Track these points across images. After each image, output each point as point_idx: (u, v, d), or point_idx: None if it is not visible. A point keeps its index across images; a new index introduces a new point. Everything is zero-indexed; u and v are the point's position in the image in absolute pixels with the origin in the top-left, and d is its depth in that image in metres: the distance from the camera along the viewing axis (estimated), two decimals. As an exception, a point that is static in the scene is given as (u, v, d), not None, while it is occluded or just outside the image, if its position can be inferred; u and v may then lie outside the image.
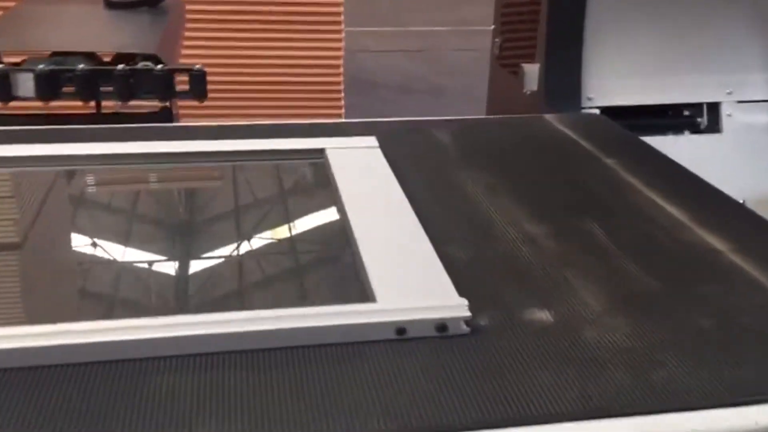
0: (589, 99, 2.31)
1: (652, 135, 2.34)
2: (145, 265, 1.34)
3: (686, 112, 2.45)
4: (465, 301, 0.98)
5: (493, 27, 2.66)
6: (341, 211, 1.30)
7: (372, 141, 1.57)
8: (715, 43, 2.37)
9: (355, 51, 6.98)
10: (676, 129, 2.42)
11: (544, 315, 1.03)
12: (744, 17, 2.36)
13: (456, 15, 8.16)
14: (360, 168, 1.46)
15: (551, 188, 1.45)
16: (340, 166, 1.45)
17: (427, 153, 1.61)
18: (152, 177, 1.60)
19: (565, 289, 1.09)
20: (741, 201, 2.40)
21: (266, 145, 1.58)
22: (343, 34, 4.33)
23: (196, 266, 1.33)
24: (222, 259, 1.34)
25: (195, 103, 3.89)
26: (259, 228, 1.46)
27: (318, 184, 1.54)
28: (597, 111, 2.32)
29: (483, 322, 0.99)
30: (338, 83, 4.39)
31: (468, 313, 0.97)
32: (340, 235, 1.27)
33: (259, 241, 1.42)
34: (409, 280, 1.06)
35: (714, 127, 2.41)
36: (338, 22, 4.24)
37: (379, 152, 1.52)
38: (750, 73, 2.41)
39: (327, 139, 1.59)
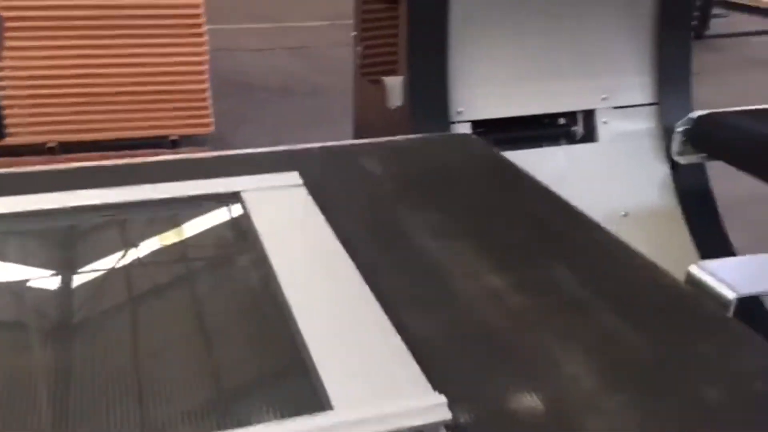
0: (459, 113, 2.11)
1: (528, 148, 2.18)
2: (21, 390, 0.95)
3: (561, 121, 2.30)
4: (443, 399, 0.79)
5: (354, 34, 2.43)
6: (271, 277, 1.06)
7: (294, 178, 1.35)
8: (587, 47, 2.22)
9: (233, 50, 6.63)
10: (552, 140, 2.27)
11: (533, 401, 0.84)
12: (615, 19, 2.22)
13: (335, 8, 7.91)
14: (285, 215, 1.23)
15: (505, 226, 1.29)
16: (262, 216, 1.21)
17: (357, 187, 1.40)
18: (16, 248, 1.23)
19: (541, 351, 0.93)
20: (623, 214, 2.29)
21: (164, 191, 1.28)
22: (205, 37, 4.00)
23: (79, 380, 0.96)
24: (116, 362, 0.99)
25: (31, 118, 3.49)
26: (162, 310, 1.14)
27: (237, 240, 1.26)
28: (468, 125, 2.13)
29: (463, 418, 0.79)
30: (203, 91, 4.06)
31: (448, 415, 0.78)
32: (273, 313, 1.01)
33: (164, 329, 1.09)
34: (369, 373, 0.85)
35: (590, 135, 2.27)
36: (198, 25, 3.91)
37: (304, 192, 1.30)
38: (624, 77, 2.28)
39: (241, 179, 1.33)
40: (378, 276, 1.06)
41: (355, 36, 2.42)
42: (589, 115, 2.27)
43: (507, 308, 1.04)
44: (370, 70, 2.36)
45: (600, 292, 1.09)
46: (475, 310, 1.03)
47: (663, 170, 2.27)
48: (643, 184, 2.27)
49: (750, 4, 8.92)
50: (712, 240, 2.25)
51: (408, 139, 1.67)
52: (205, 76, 4.07)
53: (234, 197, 1.28)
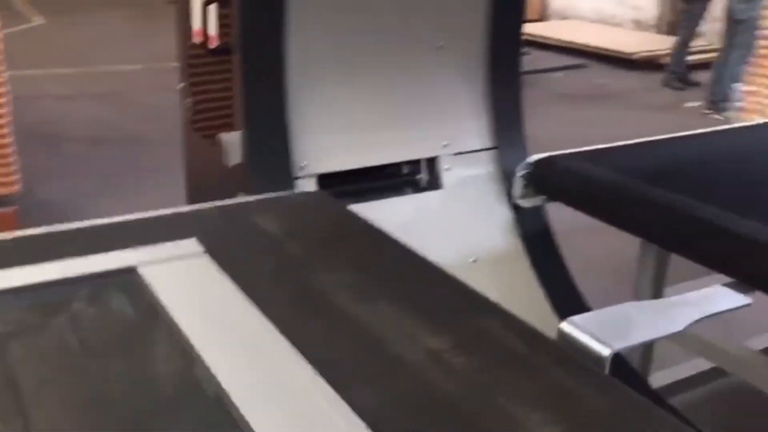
0: (302, 167, 2.01)
1: (375, 199, 2.12)
2: None
3: (406, 170, 2.26)
4: None
5: (181, 86, 2.25)
6: (198, 363, 0.93)
7: (194, 246, 1.23)
8: (426, 95, 2.21)
9: (38, 98, 6.12)
10: (398, 189, 2.22)
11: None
12: (450, 67, 2.23)
13: (148, 51, 7.57)
14: (195, 289, 1.10)
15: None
16: (170, 293, 1.06)
17: (261, 251, 1.30)
18: None
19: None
20: (472, 260, 2.29)
21: (40, 273, 1.07)
22: (5, 87, 3.60)
23: None
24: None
25: None
26: (75, 412, 0.91)
27: (149, 324, 1.07)
28: (313, 180, 2.03)
29: None
30: (5, 146, 3.64)
31: None
32: (210, 402, 0.87)
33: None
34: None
35: (435, 183, 2.25)
36: (-7, 74, 3.51)
37: (209, 262, 1.18)
38: (462, 123, 2.29)
39: (134, 252, 1.17)
40: (310, 346, 0.98)
41: (183, 88, 2.25)
42: (432, 162, 2.25)
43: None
44: (202, 124, 2.19)
45: (468, 351, 1.03)
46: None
47: (506, 214, 2.30)
48: (488, 229, 2.28)
49: (547, 42, 9.66)
50: (556, 280, 2.30)
51: (266, 199, 1.57)
52: (7, 129, 3.66)
53: (129, 273, 1.11)
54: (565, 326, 1.31)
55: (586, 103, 7.51)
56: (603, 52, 9.26)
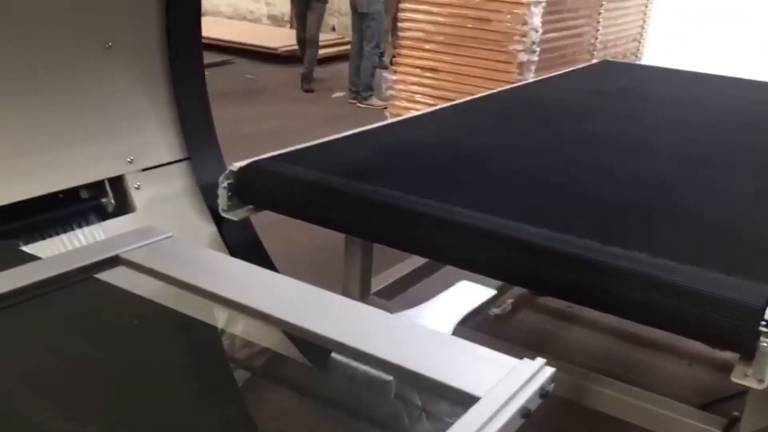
0: None
1: (54, 234, 1.75)
2: None
3: (85, 195, 1.90)
4: None
5: None
6: None
7: None
8: (98, 104, 1.87)
9: None
10: (79, 219, 1.85)
11: None
12: (125, 69, 1.92)
13: None
14: None
15: None
16: None
17: None
18: None
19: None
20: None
21: None
22: None
23: None
24: None
25: None
26: None
27: None
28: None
29: None
30: None
31: None
32: None
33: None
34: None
35: (125, 206, 1.93)
36: None
37: None
38: (147, 134, 2.00)
39: None
40: None
41: None
42: (117, 182, 1.92)
43: None
44: None
45: None
46: None
47: (209, 230, 2.07)
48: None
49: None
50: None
51: None
52: None
53: None
54: (338, 356, 1.17)
55: (240, 100, 7.44)
56: (248, 47, 9.28)
